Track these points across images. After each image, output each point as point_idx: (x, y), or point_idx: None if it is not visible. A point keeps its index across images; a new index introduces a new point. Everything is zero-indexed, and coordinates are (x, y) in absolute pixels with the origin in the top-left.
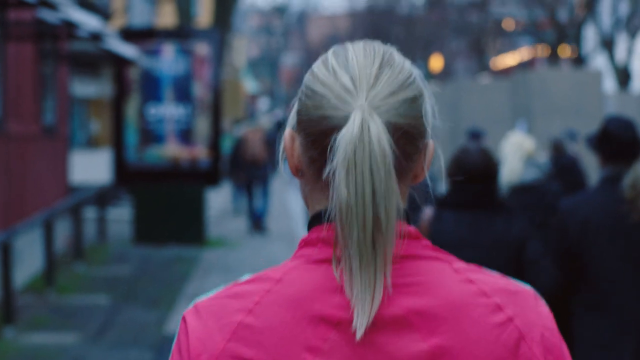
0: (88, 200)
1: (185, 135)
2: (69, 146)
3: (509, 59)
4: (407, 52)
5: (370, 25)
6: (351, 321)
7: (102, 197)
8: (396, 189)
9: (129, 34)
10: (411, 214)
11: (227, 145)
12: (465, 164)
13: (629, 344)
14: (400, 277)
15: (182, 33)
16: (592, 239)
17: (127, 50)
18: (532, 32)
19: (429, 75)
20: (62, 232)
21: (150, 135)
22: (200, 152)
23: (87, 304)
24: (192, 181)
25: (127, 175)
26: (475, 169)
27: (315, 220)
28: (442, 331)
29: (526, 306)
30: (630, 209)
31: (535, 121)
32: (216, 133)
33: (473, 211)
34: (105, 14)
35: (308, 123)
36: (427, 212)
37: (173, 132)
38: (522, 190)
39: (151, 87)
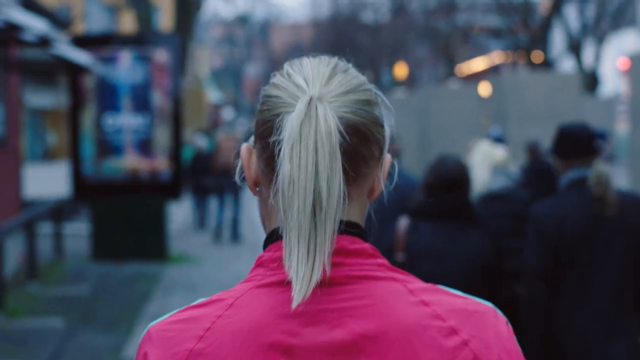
0: (43, 216)
1: (145, 146)
2: (21, 159)
3: (476, 65)
4: (372, 59)
5: (334, 34)
6: (302, 347)
7: (59, 212)
8: (339, 169)
9: (83, 41)
10: (368, 233)
11: (188, 155)
12: (443, 174)
13: (620, 344)
14: (352, 300)
15: (140, 39)
16: (569, 240)
17: (81, 56)
18: (502, 36)
19: (394, 83)
20: (15, 249)
21: (108, 147)
22: (160, 163)
23: (39, 328)
24: (153, 194)
25: (84, 189)
26: (453, 179)
27: (270, 238)
28: (393, 357)
29: (484, 327)
30: (602, 205)
31: (509, 127)
32: (177, 143)
33: (450, 221)
34: (60, 22)
35: (262, 126)
36: (403, 222)
37: (131, 143)
38: (490, 199)
39: (108, 96)
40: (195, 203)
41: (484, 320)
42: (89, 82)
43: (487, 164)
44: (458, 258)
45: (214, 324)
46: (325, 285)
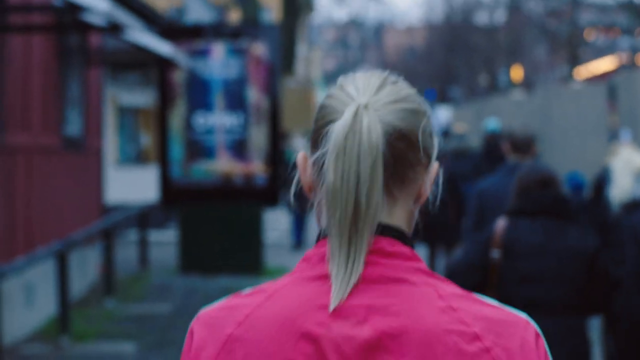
0: (126, 223)
1: (239, 148)
2: (102, 162)
3: (599, 66)
4: (488, 61)
5: (449, 35)
6: (328, 338)
7: (145, 219)
8: (381, 180)
9: (171, 31)
10: (413, 238)
11: (293, 158)
12: (536, 173)
13: None
14: (382, 298)
15: (235, 30)
16: None
17: (166, 48)
18: (628, 36)
19: (511, 84)
20: (94, 261)
21: (198, 148)
22: (256, 167)
23: (106, 354)
24: (247, 200)
25: (172, 194)
26: (547, 177)
27: (318, 237)
28: (413, 356)
29: (510, 336)
30: None
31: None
32: (274, 145)
33: (547, 219)
34: (152, 16)
35: (315, 134)
36: (501, 222)
37: (224, 145)
38: (634, 206)
39: (199, 93)
40: (294, 219)
41: (511, 329)
42: (178, 78)
43: (629, 170)
44: (556, 255)
45: (252, 312)
46: (359, 282)
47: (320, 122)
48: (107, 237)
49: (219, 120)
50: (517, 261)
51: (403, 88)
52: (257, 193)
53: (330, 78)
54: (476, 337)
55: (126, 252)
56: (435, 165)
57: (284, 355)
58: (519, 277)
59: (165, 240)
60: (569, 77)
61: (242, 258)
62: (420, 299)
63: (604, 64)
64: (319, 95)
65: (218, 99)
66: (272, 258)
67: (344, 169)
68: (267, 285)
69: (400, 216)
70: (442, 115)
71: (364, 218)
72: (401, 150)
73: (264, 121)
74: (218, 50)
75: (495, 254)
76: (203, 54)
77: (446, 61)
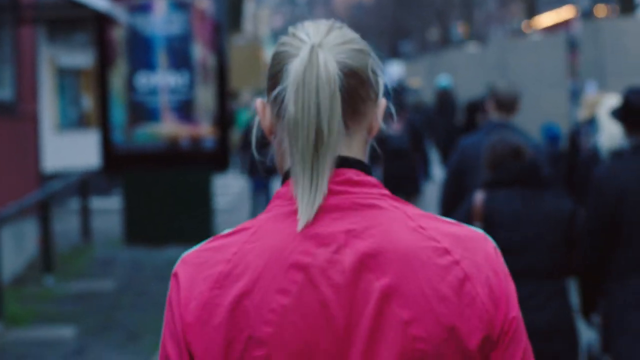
0: (67, 192)
1: (185, 110)
2: (38, 126)
3: (556, 16)
4: (440, 14)
5: None
6: (315, 265)
7: (85, 187)
8: (339, 109)
9: None
10: (371, 167)
11: (243, 121)
12: (507, 145)
13: None
14: (358, 223)
15: None
16: (629, 204)
17: (102, 3)
18: None
19: (465, 39)
20: (33, 234)
21: (141, 111)
22: (203, 129)
23: (42, 340)
24: (195, 166)
25: (114, 160)
26: (517, 147)
27: (286, 176)
28: (392, 272)
29: (474, 250)
30: None
31: (607, 81)
32: (222, 105)
33: (523, 188)
34: None
35: (271, 80)
36: (478, 195)
37: (169, 106)
38: (621, 155)
39: (140, 52)
40: (253, 187)
41: (475, 244)
42: (118, 36)
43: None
44: (535, 223)
45: (240, 249)
46: (334, 210)
47: (277, 67)
48: (45, 209)
49: (162, 80)
50: (499, 232)
51: (348, 32)
52: (206, 157)
53: (279, 35)
54: (446, 252)
55: (67, 223)
56: (382, 101)
57: (276, 285)
58: (501, 247)
59: (109, 208)
60: (519, 30)
61: (192, 227)
62: (392, 221)
63: (560, 15)
64: (268, 53)
65: (161, 57)
66: (225, 226)
67: (304, 100)
68: (248, 224)
69: (357, 148)
70: (395, 70)
71: (326, 145)
72: (353, 86)
73: (210, 80)
74: (160, 5)
75: (477, 226)
76: (144, 9)
77: (396, 16)
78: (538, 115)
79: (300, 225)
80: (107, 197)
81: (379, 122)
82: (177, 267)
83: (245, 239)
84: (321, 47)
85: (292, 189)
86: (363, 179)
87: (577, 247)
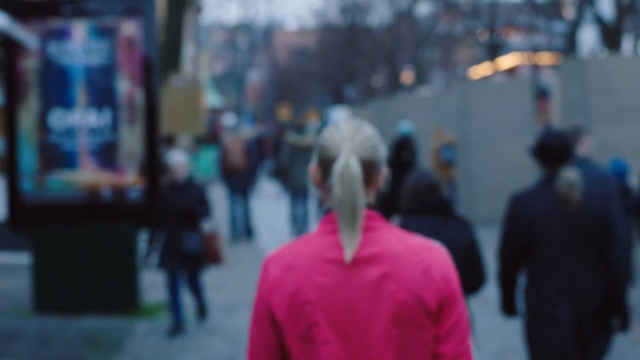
0: None
1: (107, 154)
2: None
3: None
4: (390, 58)
5: (344, 35)
6: (342, 260)
7: None
8: (363, 192)
9: (20, 9)
10: (377, 208)
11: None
12: (427, 180)
13: (568, 306)
14: (367, 238)
15: (100, 7)
16: (540, 224)
17: (12, 28)
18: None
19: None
20: None
21: (55, 155)
22: (128, 178)
23: None
24: (118, 220)
25: (22, 213)
26: (434, 183)
27: (328, 211)
28: (386, 265)
29: (434, 253)
30: (566, 202)
31: (592, 124)
32: (152, 150)
33: (433, 216)
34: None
35: (322, 160)
36: (396, 219)
37: (88, 150)
38: None
39: (56, 85)
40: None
41: (435, 250)
42: (29, 65)
43: None
44: (445, 244)
45: (298, 250)
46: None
47: (325, 155)
48: None
49: (81, 119)
50: None
51: (367, 130)
52: (131, 210)
53: (220, 81)
54: (417, 254)
55: None
56: (384, 170)
57: (317, 272)
58: None
59: (20, 264)
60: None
61: (113, 293)
62: (386, 237)
63: (510, 61)
64: (208, 98)
65: (80, 92)
66: (153, 292)
67: (344, 188)
68: (303, 237)
69: (370, 197)
70: (340, 116)
71: (359, 211)
72: (369, 171)
73: (138, 121)
74: (79, 30)
75: None
76: (60, 35)
77: (342, 60)
78: (504, 162)
79: (347, 260)
80: (17, 252)
81: (381, 183)
82: (267, 260)
83: (301, 245)
84: (351, 153)
85: (338, 232)
86: (371, 214)
87: (476, 269)
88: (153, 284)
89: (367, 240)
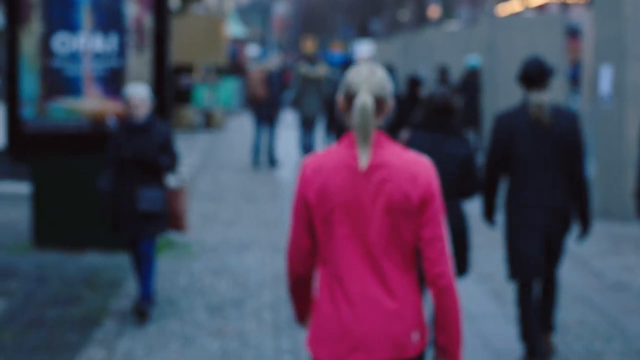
0: None
1: (113, 81)
2: None
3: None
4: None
5: None
6: (356, 167)
7: None
8: (374, 120)
9: None
10: (386, 130)
11: (201, 97)
12: (435, 101)
13: (541, 210)
14: (375, 152)
15: None
16: (517, 140)
17: None
18: None
19: (446, 15)
20: None
21: (59, 81)
22: None
23: None
24: None
25: (22, 141)
26: (443, 107)
27: (349, 129)
28: (386, 172)
29: (422, 166)
30: (537, 122)
31: (628, 66)
32: (160, 77)
33: (435, 133)
34: None
35: (345, 93)
36: (405, 133)
37: (93, 76)
38: None
39: (60, 8)
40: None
41: (423, 162)
42: None
43: None
44: (441, 158)
45: (324, 157)
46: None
47: (349, 91)
48: None
49: (86, 43)
50: None
51: (379, 73)
52: None
53: (245, 12)
54: (410, 165)
55: None
56: (390, 102)
57: (338, 172)
58: None
59: (20, 194)
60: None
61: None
62: (389, 152)
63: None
64: (231, 28)
65: (85, 15)
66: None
67: (361, 117)
68: (329, 148)
69: (380, 122)
70: (365, 50)
71: (370, 134)
72: (380, 103)
73: (147, 46)
74: None
75: None
76: None
77: None
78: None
79: (362, 168)
80: (18, 181)
81: (389, 109)
82: (304, 165)
83: (327, 155)
84: (366, 91)
85: (354, 139)
86: (380, 135)
87: (470, 178)
88: None
89: (374, 154)
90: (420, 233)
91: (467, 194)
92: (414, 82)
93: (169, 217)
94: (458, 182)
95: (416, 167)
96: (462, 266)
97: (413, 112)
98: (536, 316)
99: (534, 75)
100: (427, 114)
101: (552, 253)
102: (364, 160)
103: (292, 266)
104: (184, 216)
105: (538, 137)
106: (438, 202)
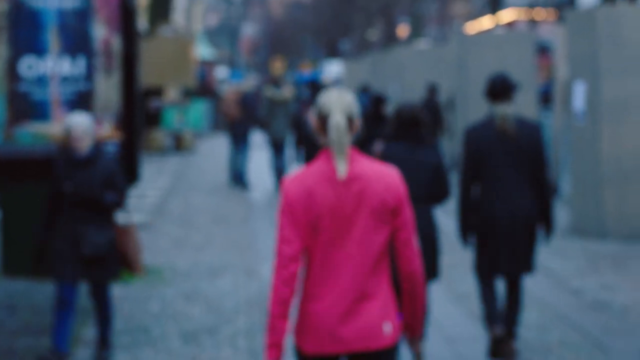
0: None
1: (81, 105)
2: None
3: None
4: (387, 11)
5: None
6: (338, 178)
7: None
8: (348, 136)
9: None
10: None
11: (170, 121)
12: (403, 114)
13: (507, 214)
14: (353, 163)
15: None
16: (486, 150)
17: None
18: None
19: (415, 34)
20: None
21: (26, 105)
22: (104, 130)
23: None
24: None
25: None
26: (415, 117)
27: (324, 147)
28: (365, 179)
29: (391, 176)
30: (503, 132)
31: (601, 81)
32: (129, 101)
33: (406, 143)
34: None
35: (318, 114)
36: (378, 145)
37: (60, 100)
38: None
39: (26, 30)
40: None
41: (393, 174)
42: None
43: None
44: (414, 166)
45: (305, 173)
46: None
47: (322, 112)
48: None
49: (53, 66)
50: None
51: (348, 96)
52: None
53: (213, 34)
54: (383, 176)
55: None
56: (357, 121)
57: (321, 183)
58: None
59: None
60: (459, 32)
61: None
62: (361, 165)
63: (507, 16)
64: (200, 50)
65: (52, 37)
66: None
67: (337, 134)
68: (310, 165)
69: (351, 138)
70: (333, 70)
71: (345, 148)
72: (351, 122)
73: (115, 69)
74: None
75: None
76: None
77: (337, 13)
78: None
79: (341, 175)
80: None
81: (357, 127)
82: (286, 183)
83: (307, 170)
84: (339, 112)
85: (330, 155)
86: (352, 150)
87: (441, 185)
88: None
89: (350, 166)
90: (395, 235)
91: (439, 198)
92: (378, 100)
93: (121, 257)
94: (430, 187)
95: (388, 177)
96: (432, 270)
97: (379, 127)
98: (500, 314)
99: (499, 89)
100: (397, 126)
101: (519, 260)
102: (342, 171)
103: (279, 290)
104: (137, 257)
105: (505, 147)
106: (408, 208)
